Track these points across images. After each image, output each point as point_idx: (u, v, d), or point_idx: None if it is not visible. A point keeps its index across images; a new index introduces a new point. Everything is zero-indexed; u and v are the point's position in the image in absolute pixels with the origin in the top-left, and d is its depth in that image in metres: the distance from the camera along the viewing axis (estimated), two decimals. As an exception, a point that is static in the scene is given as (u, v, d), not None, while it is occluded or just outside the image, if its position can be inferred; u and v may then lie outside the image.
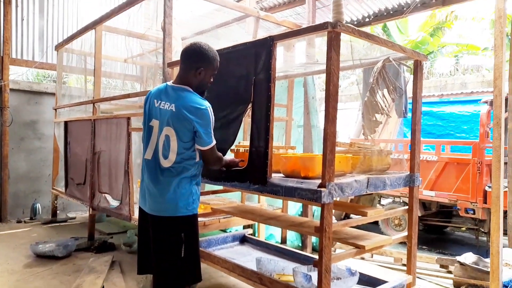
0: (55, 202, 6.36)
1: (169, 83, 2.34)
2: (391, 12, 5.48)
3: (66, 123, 5.77)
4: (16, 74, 6.93)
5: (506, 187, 4.42)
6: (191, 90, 2.26)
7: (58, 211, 6.49)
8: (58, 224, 6.21)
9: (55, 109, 6.30)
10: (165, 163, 2.22)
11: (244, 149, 3.09)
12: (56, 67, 6.42)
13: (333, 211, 2.43)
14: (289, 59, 4.68)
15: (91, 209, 4.91)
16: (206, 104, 2.21)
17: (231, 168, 2.70)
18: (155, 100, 2.29)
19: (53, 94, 6.69)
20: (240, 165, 2.70)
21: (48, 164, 6.67)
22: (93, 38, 5.07)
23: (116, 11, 4.50)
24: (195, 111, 2.15)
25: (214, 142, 2.25)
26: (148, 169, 2.31)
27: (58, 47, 6.26)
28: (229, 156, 2.96)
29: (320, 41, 6.63)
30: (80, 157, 5.24)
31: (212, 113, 2.24)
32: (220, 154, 2.40)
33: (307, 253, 4.24)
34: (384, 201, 7.34)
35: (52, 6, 7.21)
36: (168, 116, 2.20)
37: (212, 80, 2.38)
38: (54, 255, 4.37)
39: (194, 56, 2.27)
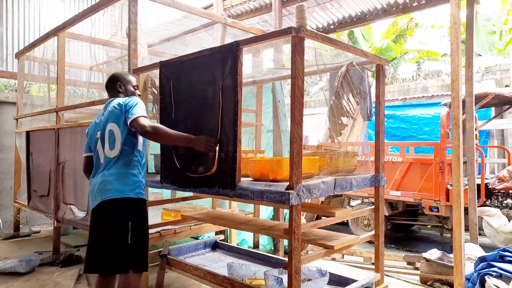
0: (18, 215, 6.08)
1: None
2: (355, 19, 5.68)
3: (28, 133, 5.55)
4: (-27, 84, 6.61)
5: (467, 185, 4.65)
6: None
7: (21, 225, 6.19)
8: (21, 238, 5.92)
9: (16, 119, 6.05)
10: (111, 154, 2.50)
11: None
12: (17, 76, 6.17)
13: (305, 214, 2.48)
14: (257, 65, 4.74)
15: (56, 222, 4.72)
16: (136, 97, 2.59)
17: (183, 141, 2.59)
18: (96, 119, 2.70)
19: (14, 103, 6.42)
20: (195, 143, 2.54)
21: (9, 177, 6.38)
22: (55, 45, 4.92)
23: (80, 17, 4.40)
24: (124, 101, 2.52)
25: (141, 114, 2.42)
26: (95, 169, 2.60)
27: (19, 54, 6.03)
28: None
29: (288, 48, 6.74)
30: (44, 167, 5.05)
31: (143, 104, 2.53)
32: (155, 124, 2.49)
33: (279, 256, 4.27)
34: (353, 203, 7.51)
35: (12, 12, 6.96)
36: (108, 118, 2.56)
37: (137, 91, 2.81)
38: (16, 271, 4.16)
39: (110, 81, 2.76)
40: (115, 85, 2.72)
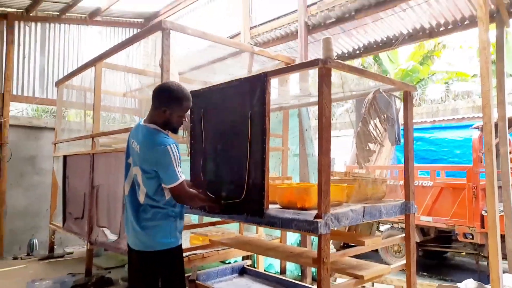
0: (53, 237, 6.32)
1: (142, 121, 2.42)
2: (380, 44, 5.71)
3: (65, 157, 5.83)
4: (16, 110, 7.05)
5: (502, 211, 4.47)
6: (157, 128, 2.32)
7: (55, 246, 6.43)
8: (55, 259, 6.13)
9: (54, 144, 6.37)
10: (140, 199, 2.32)
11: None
12: (56, 103, 6.55)
13: (331, 240, 2.47)
14: (283, 92, 4.83)
15: (89, 244, 4.88)
16: (167, 142, 2.23)
17: (208, 203, 2.63)
18: (131, 139, 2.41)
19: (52, 128, 6.78)
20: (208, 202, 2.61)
21: (46, 199, 6.67)
22: (93, 74, 5.22)
23: (116, 49, 4.67)
24: (155, 151, 2.21)
25: (181, 179, 2.23)
26: (128, 204, 2.41)
27: (59, 83, 6.42)
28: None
29: (314, 72, 6.83)
30: (79, 191, 5.26)
31: (176, 150, 2.24)
32: (192, 191, 2.36)
33: (307, 283, 4.21)
34: (382, 227, 7.32)
35: (53, 44, 7.45)
36: (135, 156, 2.32)
37: (181, 119, 2.40)
38: (51, 292, 4.31)
39: (161, 95, 2.35)
40: (161, 105, 2.30)
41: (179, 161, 2.26)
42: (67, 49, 7.59)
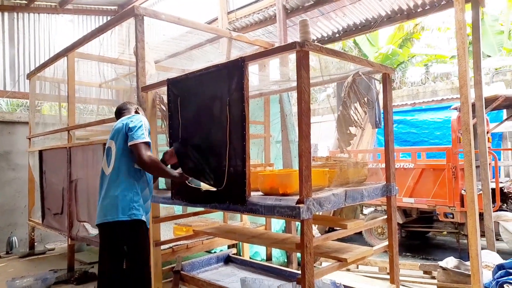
0: (32, 234, 6.16)
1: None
2: (360, 27, 5.68)
3: (40, 152, 5.64)
4: (-13, 105, 6.77)
5: (481, 189, 4.56)
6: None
7: (36, 243, 6.27)
8: (36, 256, 5.99)
9: (29, 138, 6.16)
10: (108, 171, 2.53)
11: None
12: (29, 96, 6.31)
13: (317, 225, 2.46)
14: (263, 77, 4.76)
15: (69, 239, 4.77)
16: (137, 114, 2.66)
17: (170, 174, 2.73)
18: (109, 136, 2.70)
19: (26, 123, 6.55)
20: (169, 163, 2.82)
21: (23, 195, 6.47)
22: (65, 65, 5.02)
23: (88, 38, 4.49)
24: (129, 119, 2.58)
25: (146, 139, 2.48)
26: (100, 187, 2.60)
27: (30, 75, 6.17)
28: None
29: (294, 57, 6.76)
30: (57, 186, 5.12)
31: (145, 119, 2.62)
32: (155, 157, 2.58)
33: (293, 269, 4.23)
34: (366, 211, 7.42)
35: (23, 34, 7.14)
36: (109, 136, 2.62)
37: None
38: (32, 290, 4.20)
39: (122, 108, 2.85)
40: (125, 110, 2.83)
41: (147, 128, 2.56)
42: (37, 40, 7.30)
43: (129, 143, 2.45)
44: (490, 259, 4.01)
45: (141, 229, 2.50)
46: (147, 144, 2.49)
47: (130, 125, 2.50)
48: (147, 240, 2.60)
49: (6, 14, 6.94)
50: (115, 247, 2.40)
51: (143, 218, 2.51)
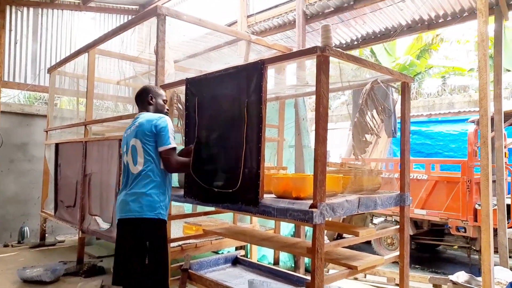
0: (44, 225, 6.26)
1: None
2: (379, 35, 5.66)
3: (57, 145, 5.74)
4: (8, 97, 6.92)
5: (496, 205, 4.48)
6: (151, 112, 2.72)
7: (46, 234, 6.37)
8: (46, 247, 6.08)
9: (46, 131, 6.28)
10: (135, 169, 2.52)
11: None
12: (48, 90, 6.44)
13: (325, 231, 2.45)
14: (280, 81, 4.77)
15: (80, 232, 4.83)
16: (163, 115, 2.64)
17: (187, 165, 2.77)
18: (125, 133, 2.71)
19: (44, 116, 6.68)
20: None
21: (37, 187, 6.59)
22: (86, 61, 5.12)
23: (110, 35, 4.56)
24: (155, 121, 2.54)
25: (172, 145, 2.52)
26: (123, 184, 2.61)
27: (51, 70, 6.30)
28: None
29: (311, 63, 6.77)
30: (71, 179, 5.20)
31: (171, 122, 2.59)
32: (182, 159, 2.67)
33: (300, 274, 4.21)
34: (376, 220, 7.35)
35: (46, 29, 7.30)
36: (133, 134, 2.58)
37: (165, 102, 2.85)
38: (41, 280, 4.26)
39: (142, 92, 2.79)
40: (146, 97, 2.75)
41: (173, 132, 2.57)
42: (59, 35, 7.44)
43: (159, 149, 2.50)
44: (503, 276, 3.93)
45: (164, 228, 2.55)
46: (175, 149, 2.56)
47: (158, 128, 2.51)
48: (167, 239, 2.65)
49: (31, 9, 7.11)
50: (139, 243, 2.41)
51: (166, 218, 2.57)
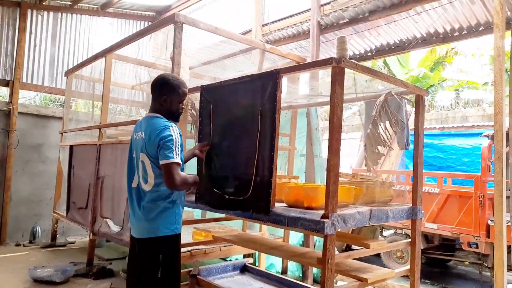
0: (56, 225, 6.34)
1: (145, 114, 2.54)
2: (393, 47, 5.65)
3: (71, 147, 5.84)
4: (25, 98, 7.07)
5: (509, 221, 4.41)
6: (160, 116, 2.45)
7: (58, 235, 6.45)
8: (57, 248, 6.16)
9: (61, 133, 6.39)
10: (146, 187, 2.37)
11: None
12: (65, 92, 6.57)
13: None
14: (293, 90, 4.79)
15: (91, 234, 4.88)
16: (169, 124, 2.36)
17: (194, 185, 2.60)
18: (134, 134, 2.52)
19: (60, 118, 6.80)
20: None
21: (51, 188, 6.69)
22: (103, 65, 5.22)
23: (127, 41, 4.66)
24: (159, 132, 2.30)
25: (175, 160, 2.26)
26: (134, 196, 2.44)
27: (68, 73, 6.43)
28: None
29: (323, 72, 6.79)
30: (84, 181, 5.27)
31: (178, 132, 2.35)
32: (185, 175, 2.35)
33: (308, 284, 4.18)
34: (386, 233, 7.27)
35: (64, 33, 7.46)
36: (141, 144, 2.40)
37: (181, 106, 2.55)
38: (52, 280, 4.32)
39: (158, 86, 2.49)
40: (159, 97, 2.45)
41: (179, 145, 2.32)
42: (77, 39, 7.61)
43: (160, 163, 2.27)
44: (516, 295, 3.85)
45: (179, 241, 2.46)
46: (179, 165, 2.30)
47: (162, 141, 2.27)
48: (180, 251, 2.55)
49: (51, 13, 7.29)
50: (154, 258, 2.34)
51: (181, 229, 2.47)
